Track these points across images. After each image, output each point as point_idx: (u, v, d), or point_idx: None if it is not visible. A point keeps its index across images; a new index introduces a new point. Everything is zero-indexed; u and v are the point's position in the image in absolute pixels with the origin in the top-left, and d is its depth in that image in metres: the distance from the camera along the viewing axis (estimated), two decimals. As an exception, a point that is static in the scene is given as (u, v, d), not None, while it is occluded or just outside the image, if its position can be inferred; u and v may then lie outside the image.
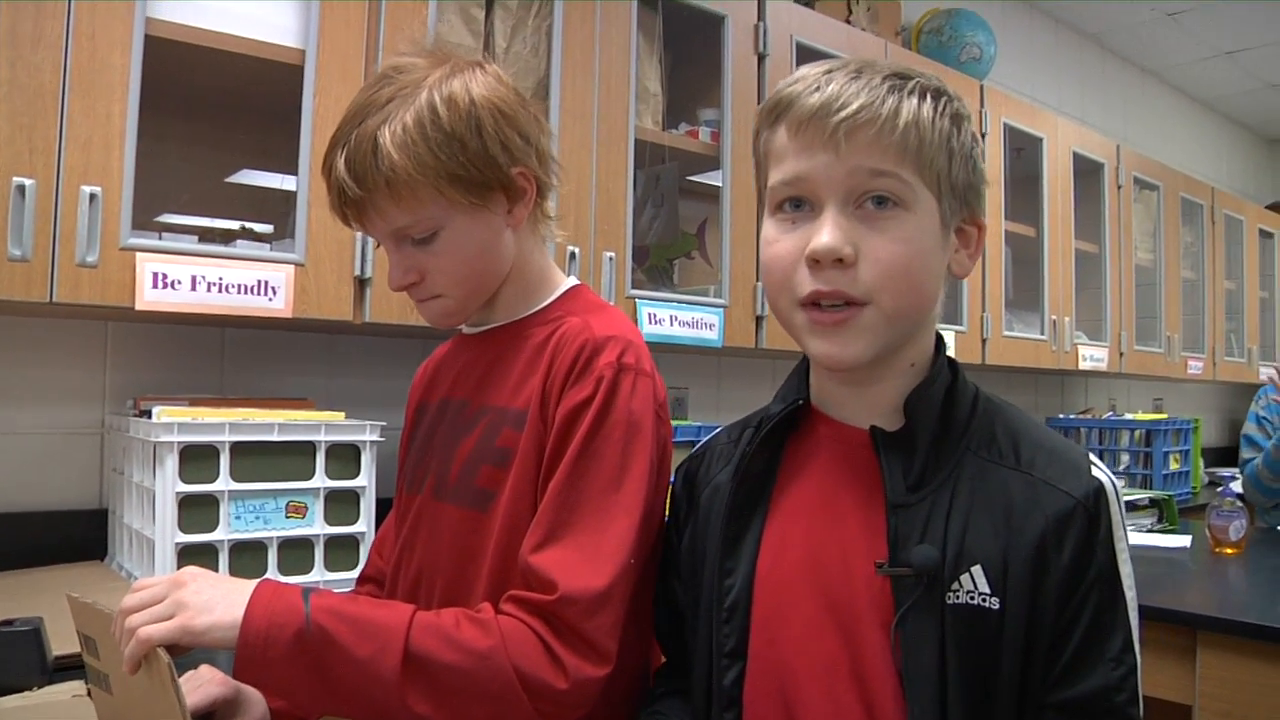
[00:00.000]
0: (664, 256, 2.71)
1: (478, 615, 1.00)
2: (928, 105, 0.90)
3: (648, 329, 2.30)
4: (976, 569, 0.87)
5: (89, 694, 1.24)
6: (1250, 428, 3.30)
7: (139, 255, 1.67)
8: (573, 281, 1.23)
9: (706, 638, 1.00)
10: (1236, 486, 2.80)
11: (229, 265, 1.76)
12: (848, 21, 3.08)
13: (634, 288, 2.33)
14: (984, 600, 0.87)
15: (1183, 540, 2.71)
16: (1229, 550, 2.56)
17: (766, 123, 0.95)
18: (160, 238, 1.75)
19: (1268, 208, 5.59)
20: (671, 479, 1.15)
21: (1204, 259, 4.73)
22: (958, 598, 0.87)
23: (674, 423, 2.20)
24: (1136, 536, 2.80)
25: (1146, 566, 2.42)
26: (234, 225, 2.12)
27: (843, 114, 0.87)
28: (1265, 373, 3.38)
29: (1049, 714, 0.87)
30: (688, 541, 1.08)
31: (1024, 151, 3.65)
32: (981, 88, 3.41)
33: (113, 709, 1.02)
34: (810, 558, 0.95)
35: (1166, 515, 3.00)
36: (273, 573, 1.74)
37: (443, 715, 0.95)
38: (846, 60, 0.94)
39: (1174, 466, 4.08)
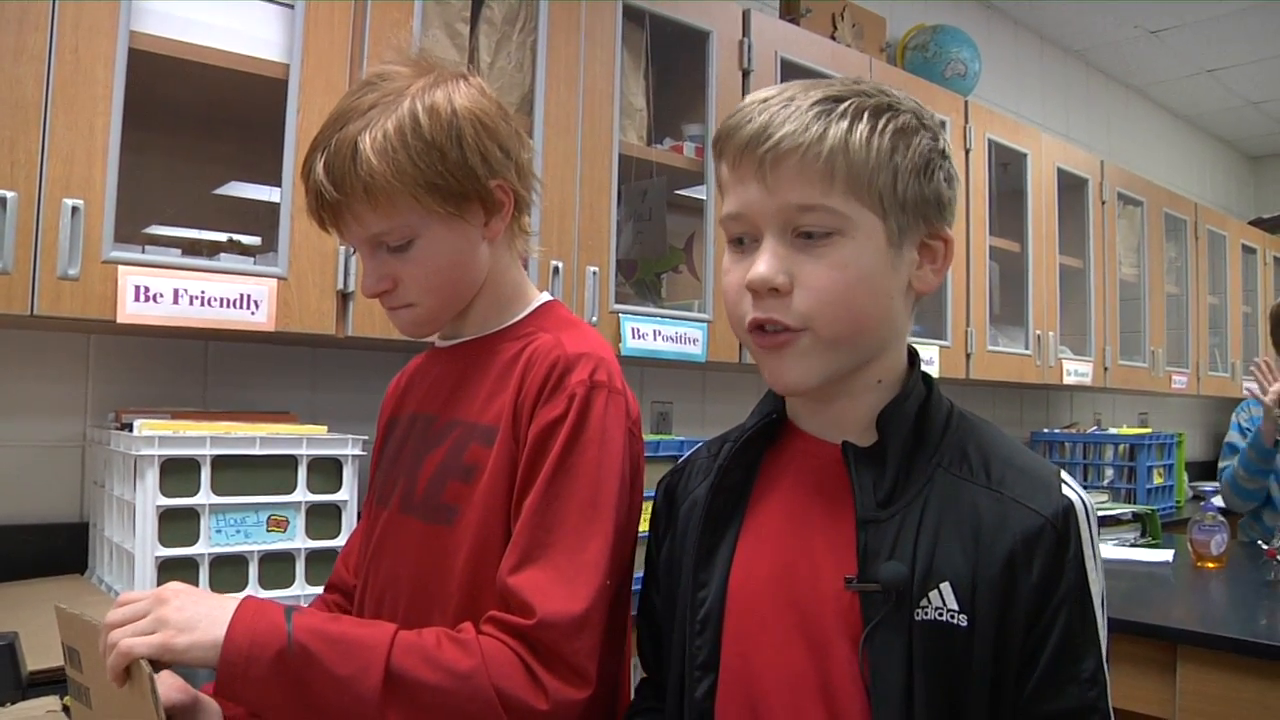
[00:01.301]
0: (652, 271, 2.72)
1: (459, 635, 0.99)
2: (862, 126, 0.89)
3: (631, 344, 2.31)
4: (945, 586, 0.87)
5: (65, 710, 1.23)
6: (1233, 435, 3.31)
7: (121, 268, 1.67)
8: (546, 297, 1.23)
9: (680, 650, 1.00)
10: (1218, 501, 2.82)
11: (211, 279, 1.76)
12: (832, 38, 3.10)
13: (618, 302, 2.34)
14: (952, 617, 0.87)
15: (1165, 554, 2.72)
16: (1210, 564, 2.57)
17: (714, 155, 0.96)
18: (144, 250, 1.75)
19: (1250, 224, 5.64)
20: (652, 493, 1.15)
21: (1188, 274, 4.77)
22: (926, 614, 0.87)
23: (658, 437, 2.21)
24: (1119, 551, 2.82)
25: (1129, 581, 2.43)
26: (221, 238, 2.12)
27: (765, 146, 0.88)
28: (1248, 386, 3.40)
29: None
30: (665, 554, 1.08)
31: (1009, 167, 3.68)
32: (966, 104, 3.43)
33: None
34: (781, 571, 0.95)
35: (1149, 529, 3.02)
36: (253, 586, 1.73)
37: None
38: (791, 84, 0.94)
39: (1158, 481, 4.10)
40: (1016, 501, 0.90)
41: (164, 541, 1.66)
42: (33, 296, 1.59)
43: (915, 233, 0.93)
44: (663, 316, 2.41)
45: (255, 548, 1.74)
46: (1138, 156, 5.45)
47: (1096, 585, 0.90)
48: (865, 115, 0.89)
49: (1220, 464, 3.33)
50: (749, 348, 0.95)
